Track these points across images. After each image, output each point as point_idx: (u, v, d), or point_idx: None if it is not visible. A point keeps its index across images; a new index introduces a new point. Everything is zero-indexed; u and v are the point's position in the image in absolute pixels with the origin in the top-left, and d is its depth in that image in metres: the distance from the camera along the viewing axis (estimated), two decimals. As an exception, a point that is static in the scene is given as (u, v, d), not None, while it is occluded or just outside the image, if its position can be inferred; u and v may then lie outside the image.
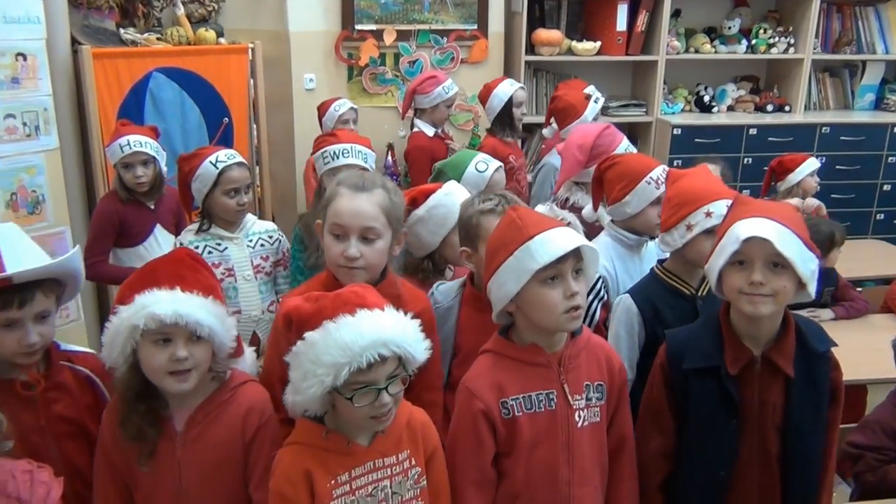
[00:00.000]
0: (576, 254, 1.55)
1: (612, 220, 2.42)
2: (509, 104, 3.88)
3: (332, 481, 1.45)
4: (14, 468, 1.41)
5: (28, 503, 1.39)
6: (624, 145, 2.76)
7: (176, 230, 3.15)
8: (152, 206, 3.10)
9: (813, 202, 3.81)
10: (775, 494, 1.69)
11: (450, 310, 2.00)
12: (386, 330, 1.40)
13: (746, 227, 1.57)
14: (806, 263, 1.57)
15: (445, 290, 2.07)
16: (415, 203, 2.16)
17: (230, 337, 1.61)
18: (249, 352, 1.71)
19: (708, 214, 1.91)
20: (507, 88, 3.90)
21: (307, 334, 1.40)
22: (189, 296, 1.53)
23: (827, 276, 3.20)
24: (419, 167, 3.80)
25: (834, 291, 3.26)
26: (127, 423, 1.55)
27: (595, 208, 2.53)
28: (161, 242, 3.12)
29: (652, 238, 2.37)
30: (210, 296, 1.57)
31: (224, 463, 1.61)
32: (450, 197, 2.17)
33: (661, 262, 2.12)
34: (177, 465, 1.59)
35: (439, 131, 4.03)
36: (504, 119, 3.90)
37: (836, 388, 1.73)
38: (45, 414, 1.67)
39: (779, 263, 1.58)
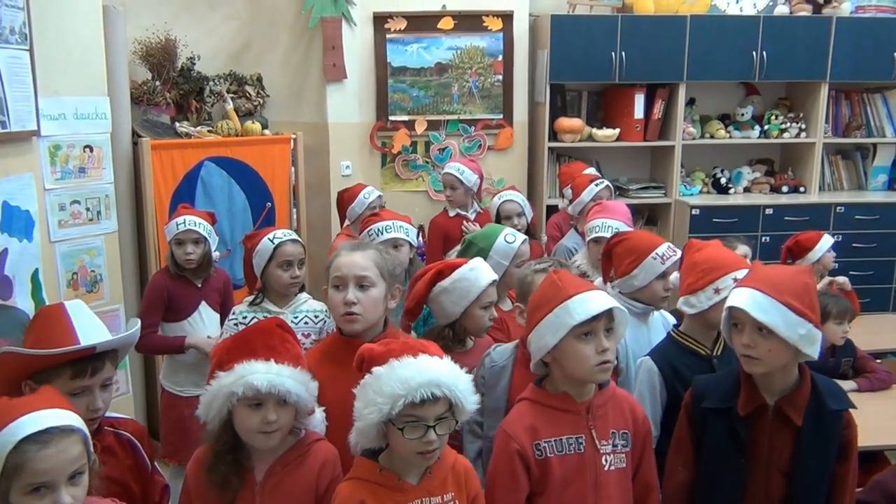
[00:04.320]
0: (608, 314, 1.74)
1: (619, 292, 2.55)
2: (498, 216, 3.83)
3: None
4: None
5: None
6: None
7: (222, 310, 3.34)
8: (199, 285, 3.29)
9: (841, 279, 3.94)
10: None
11: (504, 369, 2.17)
12: (442, 373, 1.59)
13: (732, 297, 1.80)
14: (792, 328, 1.73)
15: (501, 350, 2.24)
16: (441, 275, 2.33)
17: (312, 400, 1.80)
18: (319, 411, 1.88)
19: (735, 280, 2.07)
20: (496, 201, 3.91)
21: (374, 369, 1.60)
22: (281, 367, 1.72)
23: (844, 347, 3.32)
24: (431, 240, 4.14)
25: (853, 362, 3.35)
26: (214, 470, 1.72)
27: (605, 281, 2.66)
28: (205, 319, 3.29)
29: (657, 309, 2.52)
30: (298, 365, 1.77)
31: None
32: (474, 272, 2.33)
33: (676, 326, 2.28)
34: None
35: (467, 212, 4.14)
36: None
37: (848, 444, 1.86)
38: (96, 475, 1.81)
39: (763, 328, 1.75)
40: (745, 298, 1.76)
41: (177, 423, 3.19)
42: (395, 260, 2.15)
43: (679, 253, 2.44)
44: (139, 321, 2.03)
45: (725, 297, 2.05)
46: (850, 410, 1.89)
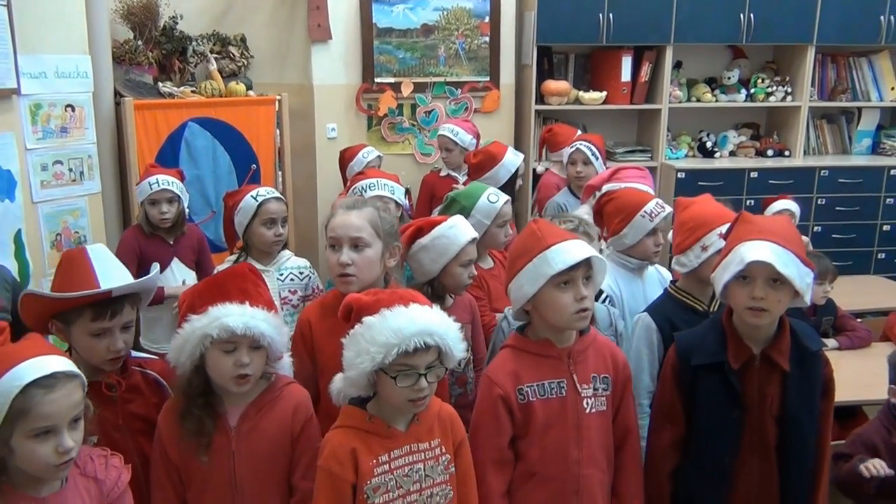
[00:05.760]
0: (587, 262, 1.76)
1: (614, 249, 2.57)
2: (514, 176, 3.64)
3: (374, 460, 1.63)
4: (92, 452, 1.61)
5: (103, 482, 1.58)
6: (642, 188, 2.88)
7: (196, 267, 3.35)
8: (171, 242, 3.28)
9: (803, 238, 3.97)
10: (773, 481, 1.86)
11: None
12: (433, 323, 1.61)
13: (750, 251, 1.76)
14: (803, 278, 1.77)
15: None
16: (420, 232, 2.33)
17: (283, 344, 1.81)
18: (287, 356, 1.91)
19: (721, 236, 2.07)
20: (515, 159, 3.65)
21: (365, 318, 1.61)
22: (255, 310, 1.74)
23: (825, 307, 3.37)
24: (420, 198, 4.18)
25: (834, 321, 3.40)
26: (188, 415, 1.73)
27: (599, 238, 2.68)
28: (177, 275, 3.29)
29: (651, 264, 2.53)
30: (271, 309, 1.78)
31: (274, 454, 1.79)
32: (453, 230, 2.32)
33: (673, 282, 2.30)
34: (231, 456, 1.76)
35: (456, 174, 4.14)
36: (505, 192, 3.47)
37: (829, 381, 1.92)
38: (122, 413, 1.86)
39: (778, 279, 1.76)
40: (767, 252, 1.74)
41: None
42: (394, 219, 2.14)
43: (668, 209, 2.45)
44: (157, 267, 2.05)
45: (714, 254, 2.08)
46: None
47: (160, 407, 1.87)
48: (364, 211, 2.05)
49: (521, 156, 3.70)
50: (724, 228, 2.07)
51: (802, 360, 1.85)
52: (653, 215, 2.42)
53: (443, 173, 4.13)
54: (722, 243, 2.05)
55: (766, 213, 3.83)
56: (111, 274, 1.85)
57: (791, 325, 1.88)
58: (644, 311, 2.27)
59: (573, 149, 3.79)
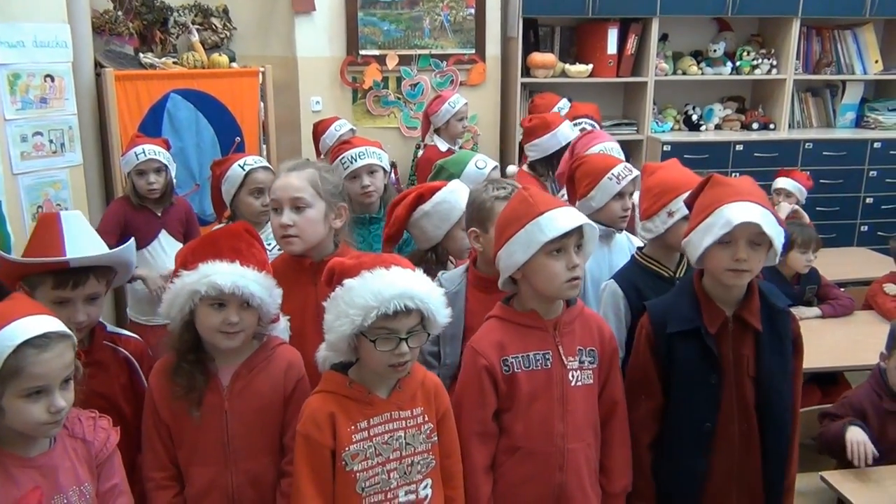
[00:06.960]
0: (578, 231, 1.75)
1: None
2: (564, 150, 3.43)
3: (353, 427, 1.62)
4: (80, 414, 1.60)
5: (92, 444, 1.57)
6: (599, 147, 2.89)
7: (184, 238, 3.30)
8: (159, 214, 3.24)
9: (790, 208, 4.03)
10: (755, 442, 1.87)
11: (457, 294, 2.13)
12: (415, 285, 1.59)
13: (737, 212, 1.73)
14: (779, 238, 1.77)
15: (450, 276, 2.21)
16: (422, 199, 2.30)
17: (275, 305, 1.80)
18: (284, 320, 1.90)
19: (685, 201, 2.03)
20: (568, 133, 3.49)
21: (346, 281, 1.59)
22: (246, 269, 1.72)
23: (809, 275, 3.40)
24: (424, 177, 3.99)
25: (817, 290, 3.44)
26: (179, 371, 1.73)
27: (571, 204, 2.66)
28: (165, 247, 3.25)
29: (619, 231, 2.53)
30: (263, 270, 1.76)
31: (267, 413, 1.79)
32: (454, 194, 2.30)
33: (640, 249, 2.29)
34: (224, 415, 1.75)
35: (456, 147, 4.12)
36: (552, 162, 3.52)
37: (798, 337, 1.93)
38: (80, 387, 1.81)
39: (755, 241, 1.76)
40: (756, 213, 1.73)
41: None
42: (338, 179, 2.14)
43: (635, 172, 2.44)
44: (132, 242, 1.98)
45: (680, 220, 2.06)
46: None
47: (127, 389, 1.86)
48: (304, 172, 2.03)
49: (577, 132, 3.58)
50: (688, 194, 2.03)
51: (772, 319, 1.86)
52: (620, 178, 2.41)
53: (442, 148, 4.09)
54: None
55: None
56: (80, 243, 1.81)
57: (758, 285, 1.89)
58: (611, 277, 2.26)
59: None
